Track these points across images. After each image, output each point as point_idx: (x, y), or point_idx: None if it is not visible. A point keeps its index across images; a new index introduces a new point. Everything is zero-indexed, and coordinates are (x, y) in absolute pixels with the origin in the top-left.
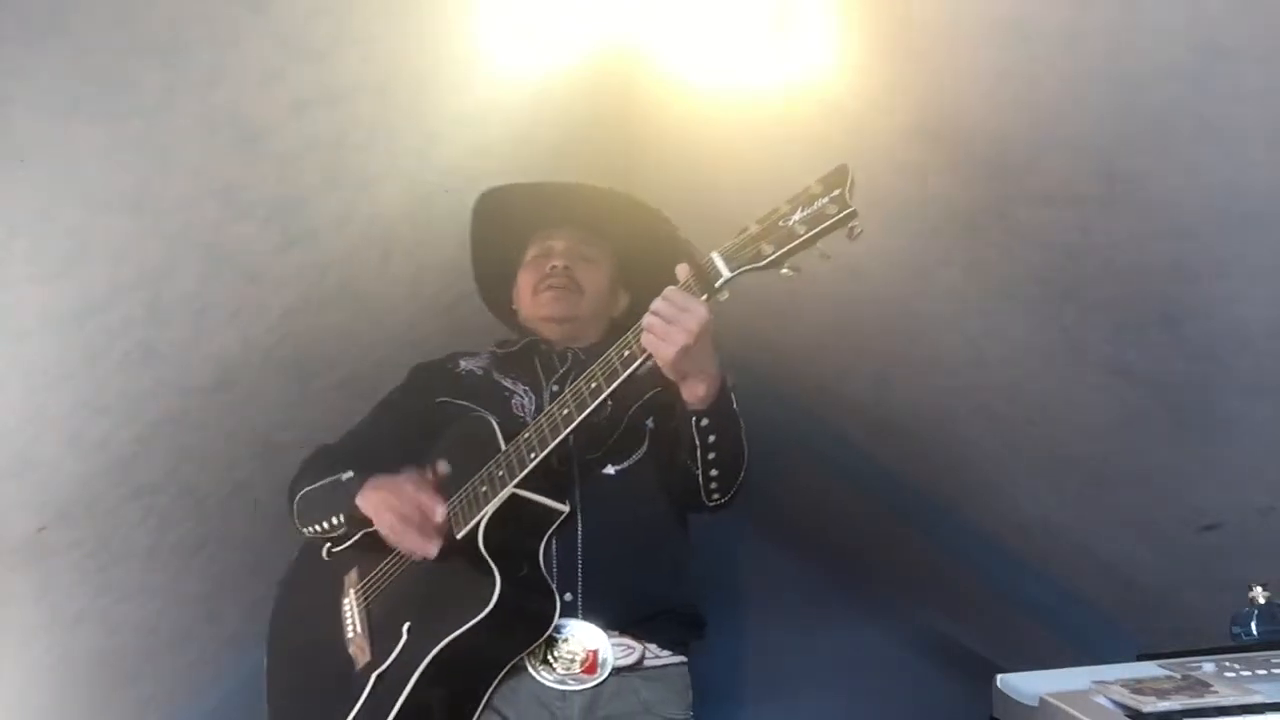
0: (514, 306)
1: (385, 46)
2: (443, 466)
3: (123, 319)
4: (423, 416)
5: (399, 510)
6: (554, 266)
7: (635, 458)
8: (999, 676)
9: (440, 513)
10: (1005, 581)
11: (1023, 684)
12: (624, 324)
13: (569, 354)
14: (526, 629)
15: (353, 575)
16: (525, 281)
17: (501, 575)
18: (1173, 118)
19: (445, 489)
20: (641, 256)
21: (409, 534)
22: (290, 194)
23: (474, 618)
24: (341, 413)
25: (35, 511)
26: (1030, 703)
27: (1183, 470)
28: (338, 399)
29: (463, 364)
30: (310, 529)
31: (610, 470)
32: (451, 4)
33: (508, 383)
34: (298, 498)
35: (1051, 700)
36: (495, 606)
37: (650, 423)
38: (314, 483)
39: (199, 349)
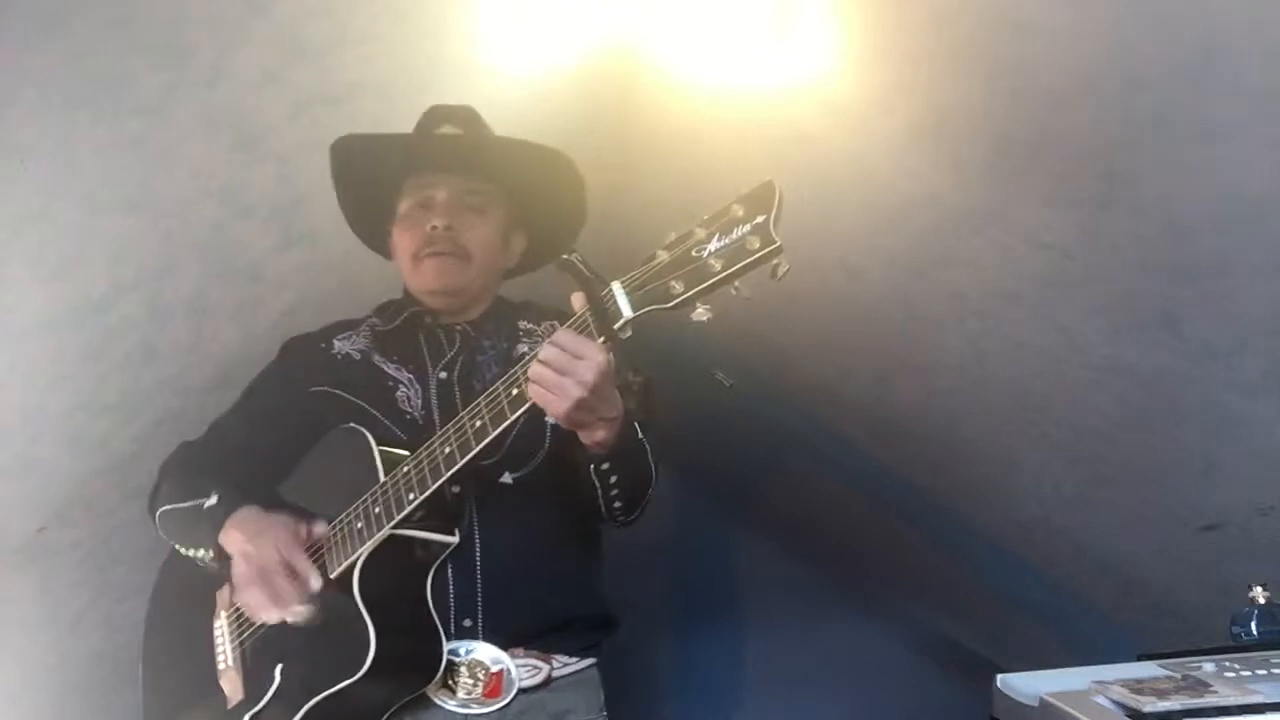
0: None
1: (385, 46)
2: (320, 528)
3: (123, 319)
4: (297, 407)
5: (257, 565)
6: (434, 227)
7: (534, 463)
8: (999, 676)
9: (313, 580)
10: (1005, 581)
11: (1023, 684)
12: (521, 271)
13: (457, 332)
14: (411, 676)
15: (225, 593)
16: (402, 242)
17: (378, 629)
18: (1172, 118)
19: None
20: (538, 194)
21: (254, 595)
22: (290, 194)
23: (348, 678)
24: None
25: (35, 511)
26: (1030, 703)
27: (1183, 470)
28: None
29: (338, 344)
30: (180, 550)
31: (508, 479)
32: (451, 4)
33: (391, 369)
34: (159, 513)
35: (1051, 700)
36: (370, 667)
37: (551, 419)
38: (175, 499)
39: (199, 349)
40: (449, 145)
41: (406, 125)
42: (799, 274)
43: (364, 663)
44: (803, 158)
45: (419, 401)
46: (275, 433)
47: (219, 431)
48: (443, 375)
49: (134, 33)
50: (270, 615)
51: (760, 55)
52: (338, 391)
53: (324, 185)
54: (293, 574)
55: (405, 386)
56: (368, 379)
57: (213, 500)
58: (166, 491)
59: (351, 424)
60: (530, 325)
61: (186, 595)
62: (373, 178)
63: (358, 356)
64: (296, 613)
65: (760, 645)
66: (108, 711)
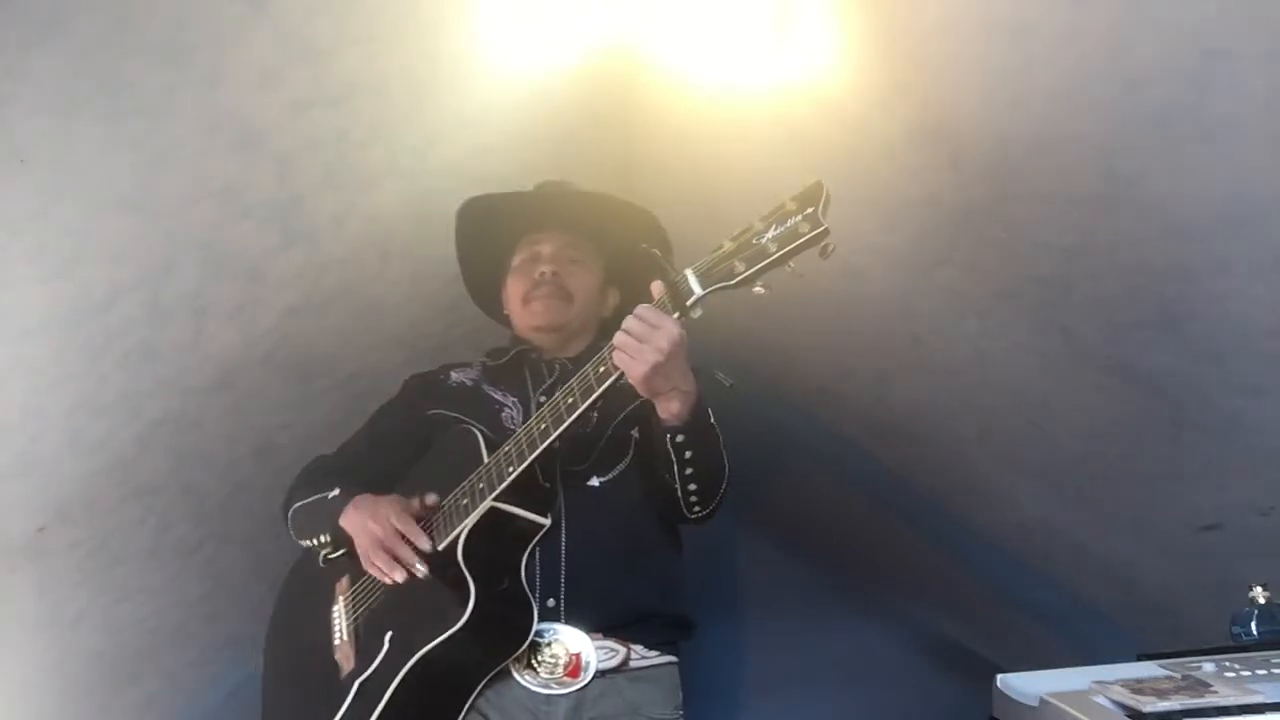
0: (505, 311)
1: (385, 46)
2: (431, 498)
3: (123, 319)
4: (415, 427)
5: (374, 535)
6: (542, 273)
7: (619, 469)
8: (999, 676)
9: (423, 542)
10: (1005, 581)
11: (1023, 684)
12: (614, 323)
13: (557, 365)
14: (504, 641)
15: (343, 583)
16: (514, 289)
17: (477, 589)
18: (1173, 118)
19: (429, 513)
20: (630, 254)
21: (380, 558)
22: (290, 194)
23: (447, 631)
24: (341, 413)
25: (35, 511)
26: (1030, 703)
27: (1183, 470)
28: (338, 399)
29: (454, 375)
30: (304, 541)
31: (595, 482)
32: (451, 4)
33: (497, 395)
34: (291, 510)
35: (1051, 700)
36: (468, 620)
37: (635, 433)
38: (305, 497)
39: (199, 349)
40: (555, 199)
41: (407, 125)
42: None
43: (463, 615)
44: (803, 158)
45: (520, 420)
46: (395, 448)
47: (345, 447)
48: (543, 399)
49: (134, 33)
50: (396, 575)
51: (760, 55)
52: (450, 413)
53: (324, 185)
54: (406, 539)
55: (510, 409)
56: (477, 402)
57: (335, 492)
58: (299, 492)
59: (463, 425)
60: None
61: (309, 590)
62: (492, 235)
63: (470, 384)
64: (418, 571)
65: (760, 645)
66: (108, 711)
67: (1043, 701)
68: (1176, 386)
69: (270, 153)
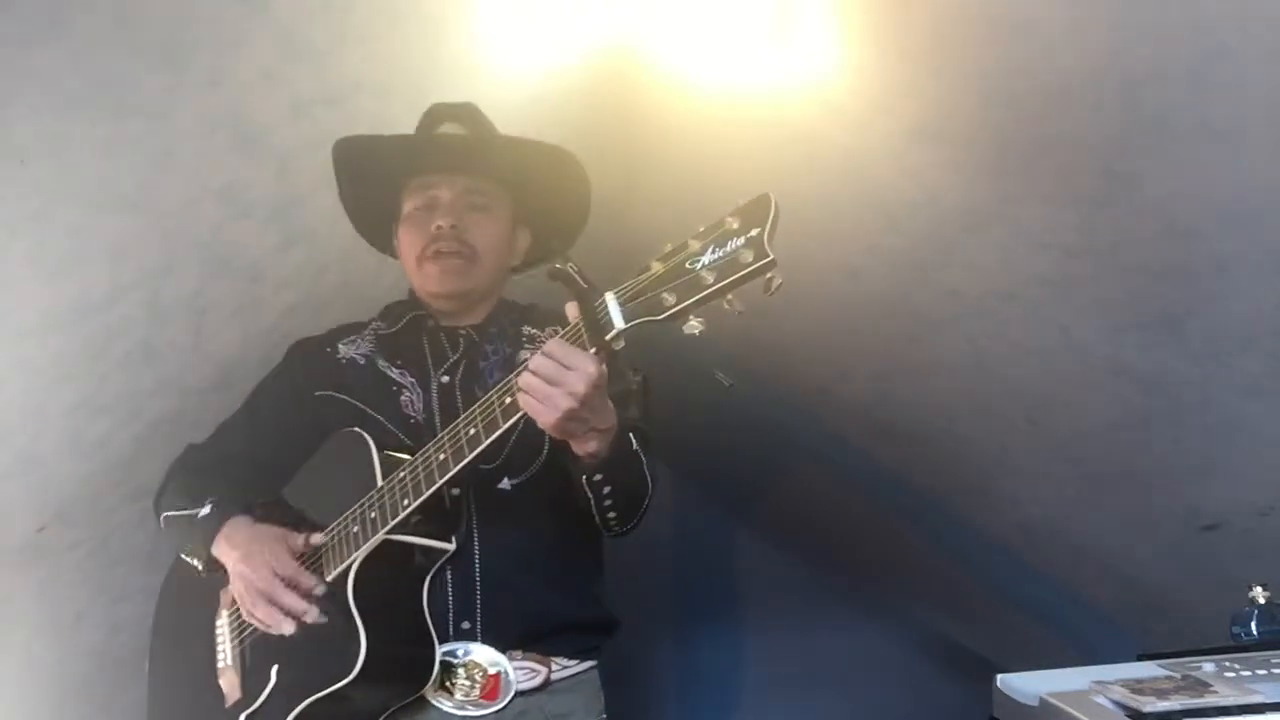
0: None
1: (385, 46)
2: (317, 538)
3: (123, 319)
4: (301, 411)
5: (252, 584)
6: (439, 227)
7: (532, 470)
8: (999, 676)
9: (310, 585)
10: (1005, 581)
11: (1023, 684)
12: (525, 268)
13: (460, 337)
14: (403, 682)
15: (227, 595)
16: (407, 242)
17: (369, 633)
18: (1173, 118)
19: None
20: (542, 191)
21: (262, 611)
22: (290, 194)
23: (338, 681)
24: None
25: (35, 511)
26: (1030, 703)
27: (1183, 470)
28: None
29: (343, 349)
30: (179, 553)
31: (506, 485)
32: (451, 4)
33: (395, 374)
34: (161, 517)
35: (1051, 700)
36: (360, 671)
37: None
38: (175, 506)
39: (199, 349)
40: (451, 145)
41: (407, 125)
42: (799, 274)
43: (354, 667)
44: (803, 158)
45: (420, 405)
46: (279, 437)
47: (223, 435)
48: (445, 379)
49: (134, 33)
50: (285, 629)
51: (760, 55)
52: (341, 396)
53: (324, 185)
54: (293, 586)
55: (408, 391)
56: (371, 383)
57: (206, 510)
58: (169, 496)
59: (354, 428)
60: (534, 330)
61: (193, 593)
62: (375, 179)
63: (362, 361)
64: (311, 617)
65: (760, 645)
66: (108, 711)
67: (1043, 701)
68: (1176, 386)
69: (270, 153)
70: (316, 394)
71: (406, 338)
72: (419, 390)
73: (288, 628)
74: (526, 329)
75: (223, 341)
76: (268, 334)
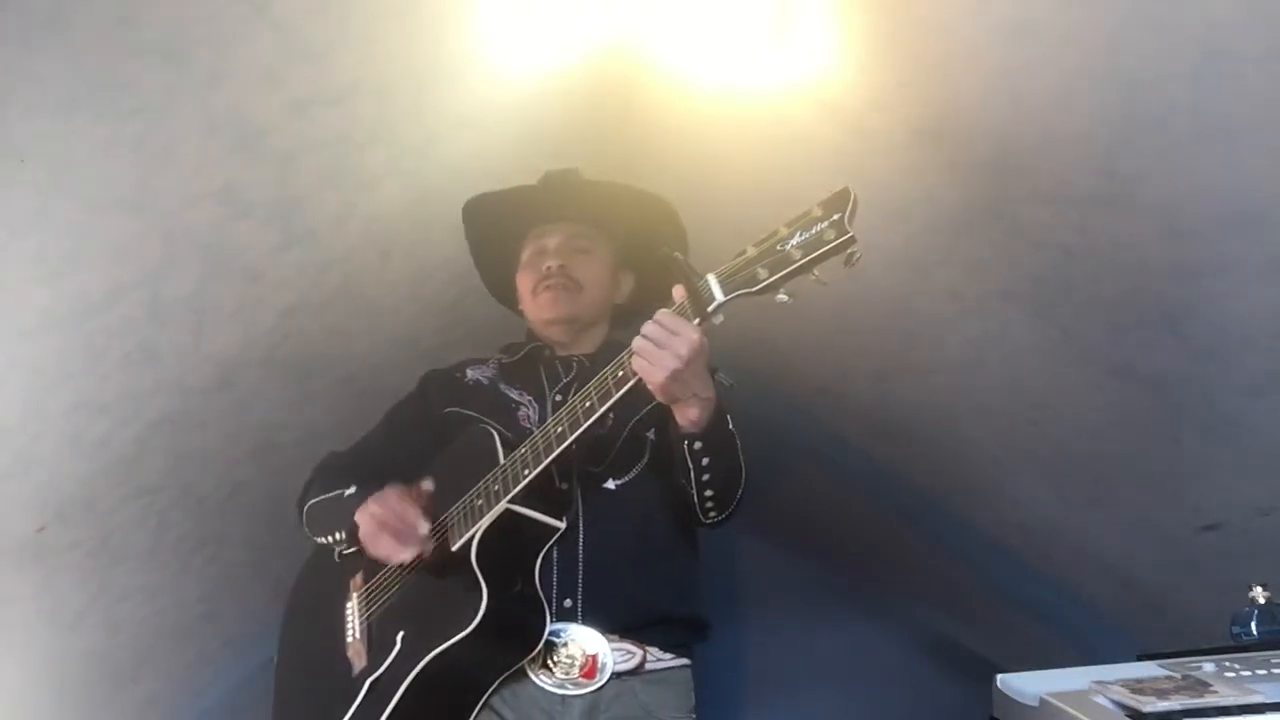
0: (520, 306)
1: (385, 46)
2: (427, 484)
3: (123, 319)
4: (431, 426)
5: (378, 517)
6: (549, 267)
7: (636, 471)
8: (999, 676)
9: (421, 525)
10: (1005, 581)
11: (1023, 684)
12: (629, 309)
13: (573, 363)
14: (517, 644)
15: (358, 579)
16: (524, 284)
17: (490, 591)
18: (1173, 118)
19: (434, 503)
20: (642, 238)
21: (382, 539)
22: (290, 194)
23: (458, 634)
24: (341, 413)
25: (35, 511)
26: (1030, 703)
27: (1183, 470)
28: (338, 399)
29: (470, 373)
30: (319, 539)
31: (611, 485)
32: (451, 4)
33: (514, 394)
34: (306, 508)
35: (1051, 700)
36: (480, 623)
37: (652, 435)
38: (320, 494)
39: (199, 349)
40: (560, 191)
41: (407, 125)
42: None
43: (475, 618)
44: (803, 158)
45: (536, 419)
46: (410, 446)
47: (361, 444)
48: (559, 398)
49: (134, 33)
50: (398, 555)
51: (760, 55)
52: (466, 411)
53: (324, 185)
54: (406, 520)
55: (526, 407)
56: (493, 400)
57: (351, 490)
58: (314, 489)
59: (483, 425)
60: None
61: (326, 580)
62: (499, 232)
63: (486, 383)
64: (424, 545)
65: (760, 645)
66: (108, 711)
67: (1043, 701)
68: (1176, 386)
69: (270, 153)
70: (445, 411)
71: (526, 365)
72: (535, 406)
73: (408, 553)
74: None
75: (223, 341)
76: (268, 334)
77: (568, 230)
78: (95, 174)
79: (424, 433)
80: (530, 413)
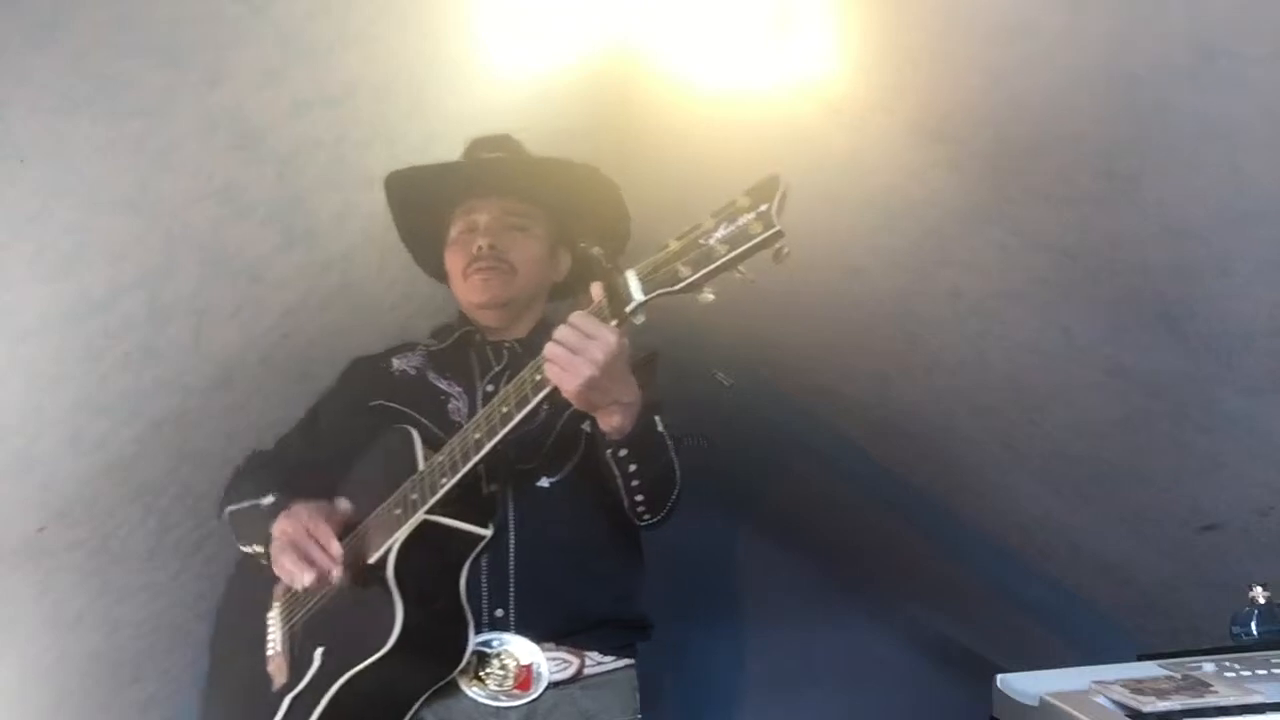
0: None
1: (385, 46)
2: (344, 504)
3: (123, 319)
4: (357, 420)
5: (286, 535)
6: (479, 247)
7: (570, 467)
8: (999, 676)
9: (332, 547)
10: (1005, 581)
11: (1023, 684)
12: (568, 288)
13: (505, 349)
14: (436, 662)
15: (280, 587)
16: (453, 264)
17: (406, 610)
18: (1173, 118)
19: (355, 510)
20: (580, 213)
21: (284, 559)
22: (290, 194)
23: (372, 656)
24: None
25: (35, 511)
26: (1030, 703)
27: (1183, 470)
28: None
29: (396, 363)
30: (242, 548)
31: (544, 483)
32: (451, 4)
33: (443, 384)
34: (226, 514)
35: (1051, 700)
36: (394, 645)
37: (587, 427)
38: (239, 501)
39: (199, 349)
40: (489, 168)
41: (407, 125)
42: (799, 273)
43: (390, 637)
44: (803, 158)
45: (466, 411)
46: (335, 444)
47: (284, 443)
48: (489, 388)
49: (134, 33)
50: (305, 577)
51: (760, 55)
52: (393, 404)
53: (324, 185)
54: (317, 540)
55: (455, 399)
56: (421, 392)
57: (269, 499)
58: (233, 493)
59: (400, 425)
60: None
61: (252, 589)
62: (425, 208)
63: (413, 373)
64: (331, 573)
65: (760, 645)
66: (108, 711)
67: (1043, 701)
68: (1176, 386)
69: (270, 153)
70: (371, 404)
71: (455, 353)
72: (465, 398)
73: (308, 578)
74: None
75: (223, 341)
76: (268, 334)
77: (500, 206)
78: (95, 174)
79: (350, 429)
80: (460, 405)
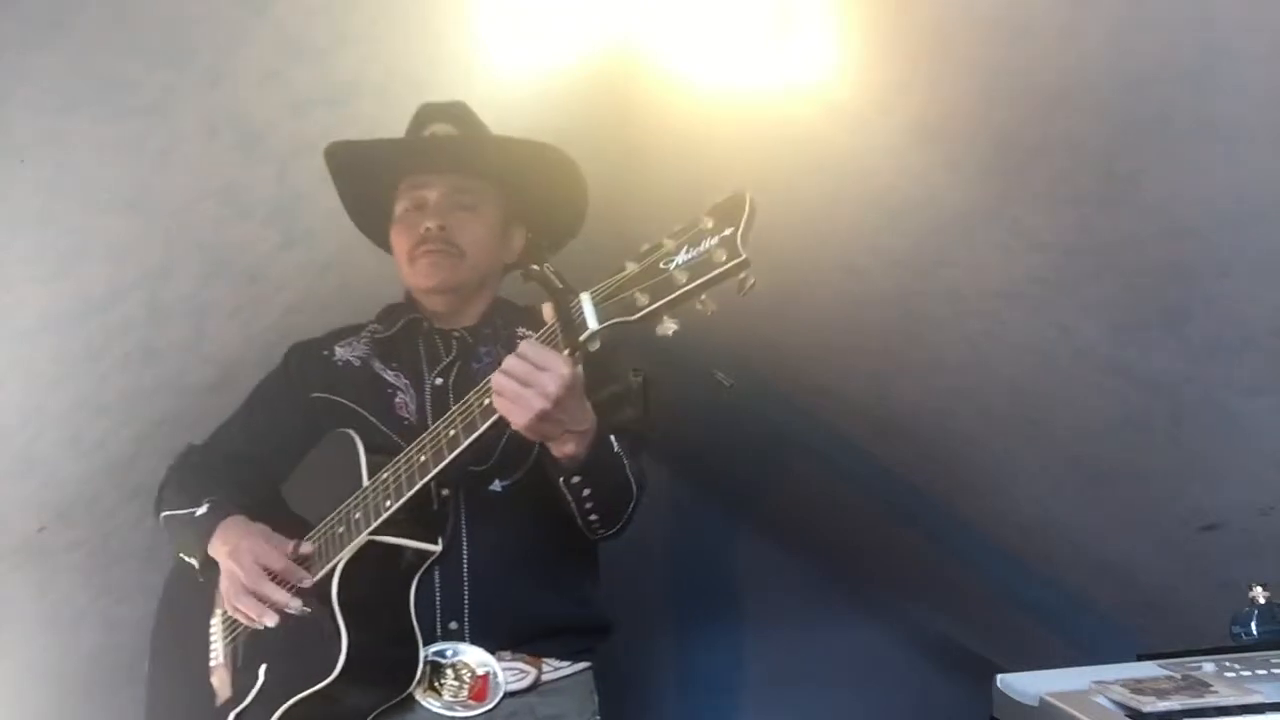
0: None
1: (385, 46)
2: (306, 547)
3: (123, 319)
4: (298, 413)
5: (236, 577)
6: (427, 229)
7: (523, 470)
8: (999, 676)
9: (297, 578)
10: (1005, 581)
11: (1023, 684)
12: (523, 265)
13: (454, 339)
14: (386, 682)
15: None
16: (398, 243)
17: (350, 637)
18: (1173, 118)
19: (295, 519)
20: (535, 189)
21: (244, 602)
22: (290, 194)
23: (319, 682)
24: None
25: (35, 511)
26: (1030, 703)
27: (1183, 470)
28: None
29: (339, 351)
30: (177, 554)
31: (497, 486)
32: (452, 4)
33: (389, 376)
34: (161, 517)
35: (1051, 700)
36: (341, 672)
37: None
38: (174, 506)
39: (199, 349)
40: (438, 145)
41: (407, 124)
42: (799, 273)
43: (335, 667)
44: (803, 158)
45: (414, 407)
46: (276, 437)
47: (221, 436)
48: (438, 381)
49: (134, 33)
50: (266, 620)
51: (760, 56)
52: (336, 398)
53: (324, 185)
54: (278, 579)
55: (402, 392)
56: (366, 385)
57: (203, 509)
58: (168, 496)
59: (345, 429)
60: (529, 333)
61: (192, 593)
62: (368, 182)
63: (357, 364)
64: (293, 607)
65: (760, 645)
66: (108, 711)
67: (1043, 701)
68: (1176, 386)
69: (270, 153)
70: (312, 396)
71: (402, 341)
72: (413, 392)
73: (269, 620)
74: (521, 330)
75: (223, 341)
76: (267, 334)
77: (448, 183)
78: (95, 174)
79: (290, 423)
80: (407, 399)
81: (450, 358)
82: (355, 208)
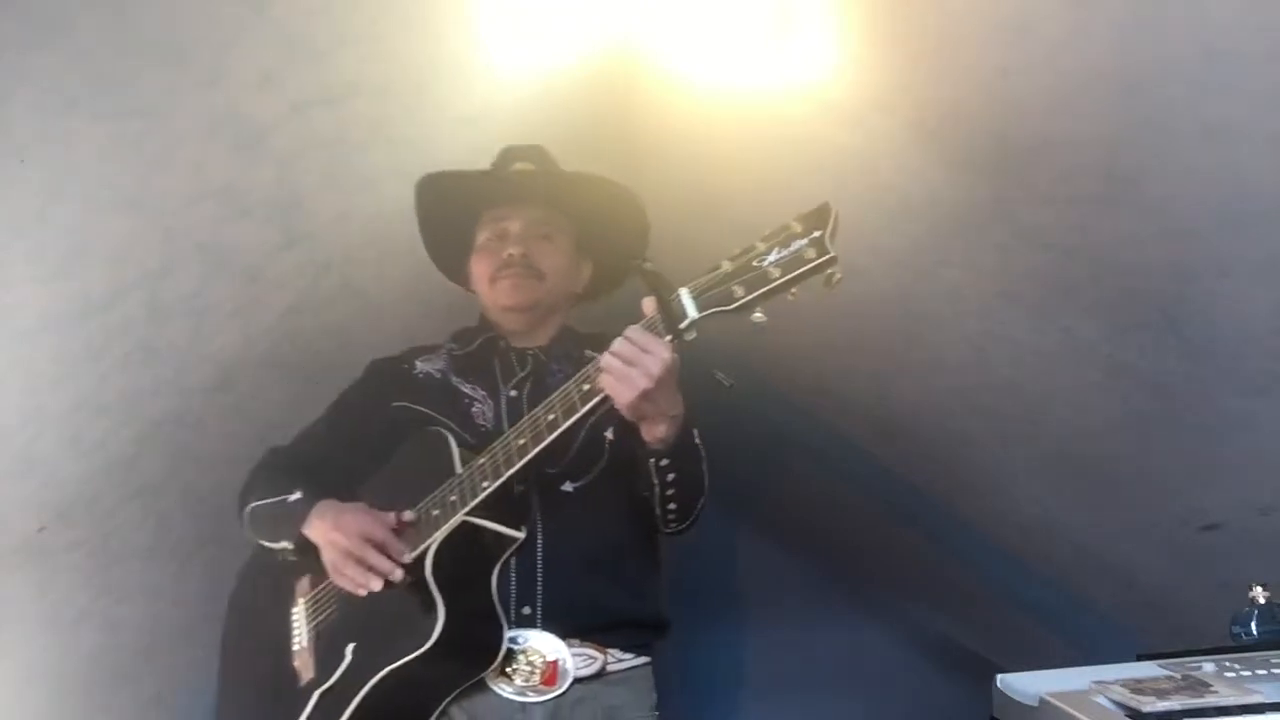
0: (472, 289)
1: (385, 46)
2: (408, 515)
3: (123, 319)
4: (379, 420)
5: (342, 546)
6: (510, 255)
7: (594, 473)
8: (999, 676)
9: (398, 550)
10: (1005, 581)
11: (1023, 684)
12: (588, 296)
13: (529, 356)
14: (472, 659)
15: (304, 583)
16: (480, 269)
17: (446, 607)
18: (1173, 118)
19: (385, 507)
20: (602, 224)
21: (351, 569)
22: (290, 194)
23: (414, 651)
24: None
25: (35, 511)
26: (1030, 703)
27: (1183, 470)
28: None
29: (420, 365)
30: (264, 544)
31: (569, 487)
32: (451, 4)
33: (467, 388)
34: (248, 510)
35: (1051, 700)
36: (436, 641)
37: (610, 434)
38: (263, 496)
39: (199, 349)
40: (523, 180)
41: (407, 125)
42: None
43: (430, 636)
44: (803, 157)
45: (490, 416)
46: (356, 443)
47: (305, 440)
48: (513, 394)
49: (134, 33)
50: (372, 584)
51: (761, 56)
52: (417, 406)
53: (324, 185)
54: (379, 546)
55: (479, 403)
56: (444, 395)
57: (297, 495)
58: (255, 488)
59: (436, 427)
60: (596, 354)
61: (268, 583)
62: (454, 210)
63: (437, 376)
64: (397, 576)
65: (760, 645)
66: (108, 711)
67: (1043, 701)
68: (1176, 386)
69: (270, 153)
70: (393, 405)
71: (479, 357)
72: (490, 403)
73: (375, 584)
74: (589, 353)
75: (222, 341)
76: (268, 334)
77: (528, 215)
78: (95, 174)
79: (373, 429)
80: (485, 409)
81: (524, 372)
82: (435, 237)
